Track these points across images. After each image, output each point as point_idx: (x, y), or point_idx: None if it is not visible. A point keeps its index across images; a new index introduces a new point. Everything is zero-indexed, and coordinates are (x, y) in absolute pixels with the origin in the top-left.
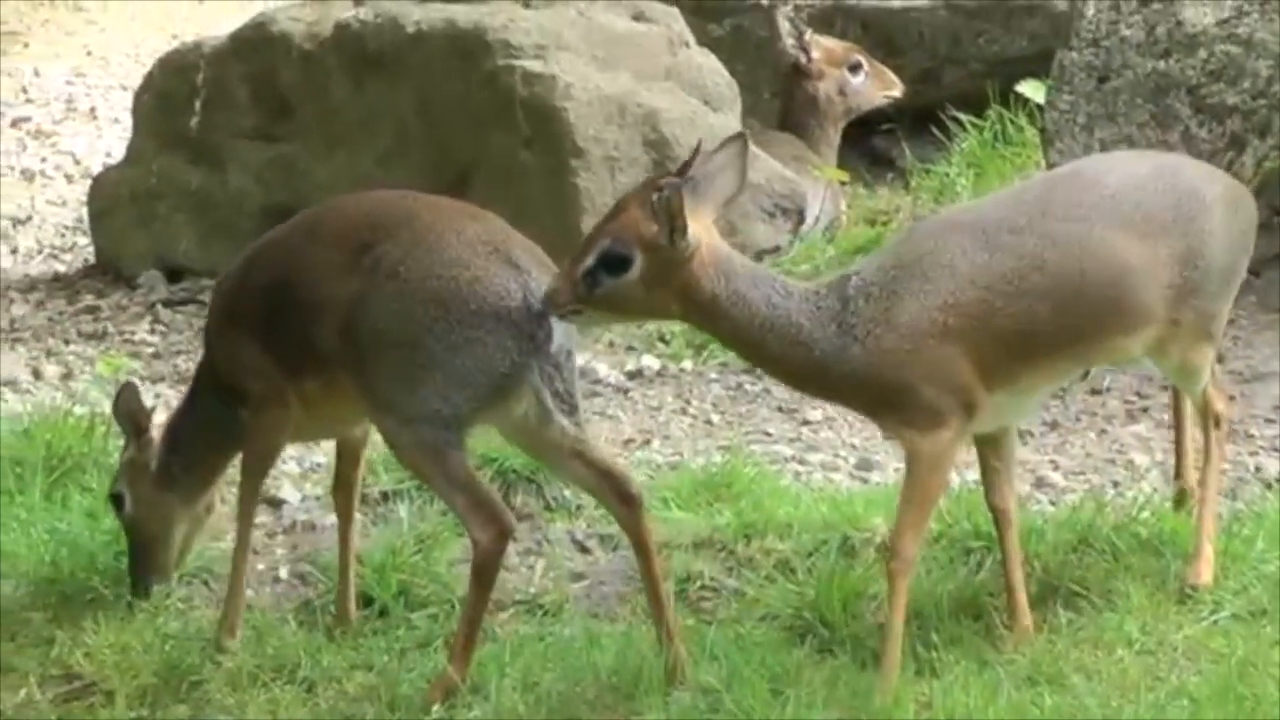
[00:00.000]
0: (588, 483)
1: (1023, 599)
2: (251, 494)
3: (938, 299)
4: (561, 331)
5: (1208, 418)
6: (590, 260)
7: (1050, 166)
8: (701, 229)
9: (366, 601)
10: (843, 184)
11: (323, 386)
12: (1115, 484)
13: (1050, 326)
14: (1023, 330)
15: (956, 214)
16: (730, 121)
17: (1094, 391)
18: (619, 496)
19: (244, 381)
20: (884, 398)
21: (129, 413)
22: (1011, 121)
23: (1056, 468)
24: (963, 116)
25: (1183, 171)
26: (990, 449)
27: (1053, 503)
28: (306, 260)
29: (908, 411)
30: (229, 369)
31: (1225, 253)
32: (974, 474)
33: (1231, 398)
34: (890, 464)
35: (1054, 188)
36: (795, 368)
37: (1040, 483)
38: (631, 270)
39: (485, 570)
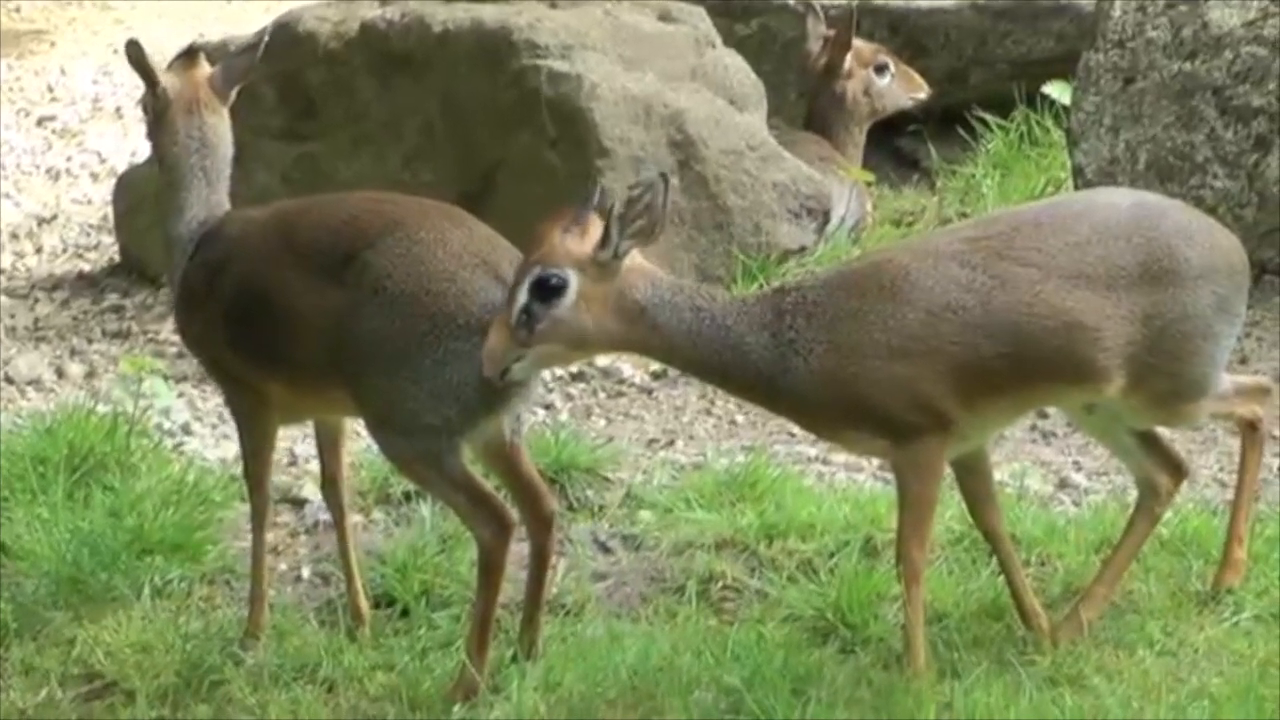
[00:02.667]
0: (513, 489)
1: (1032, 602)
2: (253, 490)
3: (880, 320)
4: None
5: (1239, 425)
6: (522, 298)
7: (1076, 169)
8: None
9: (388, 601)
10: (868, 185)
11: (290, 389)
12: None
13: (996, 365)
14: (969, 362)
15: (917, 240)
16: (755, 121)
17: None
18: (537, 515)
19: (213, 374)
20: (844, 416)
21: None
22: (1037, 123)
23: (1080, 469)
24: (989, 117)
25: (1163, 223)
26: (966, 474)
27: (1075, 504)
28: (285, 270)
29: (878, 427)
30: (199, 359)
31: (1194, 318)
32: (996, 475)
33: (1267, 390)
34: None
35: (1021, 228)
36: (734, 375)
37: (1063, 484)
38: (568, 293)
39: (492, 567)
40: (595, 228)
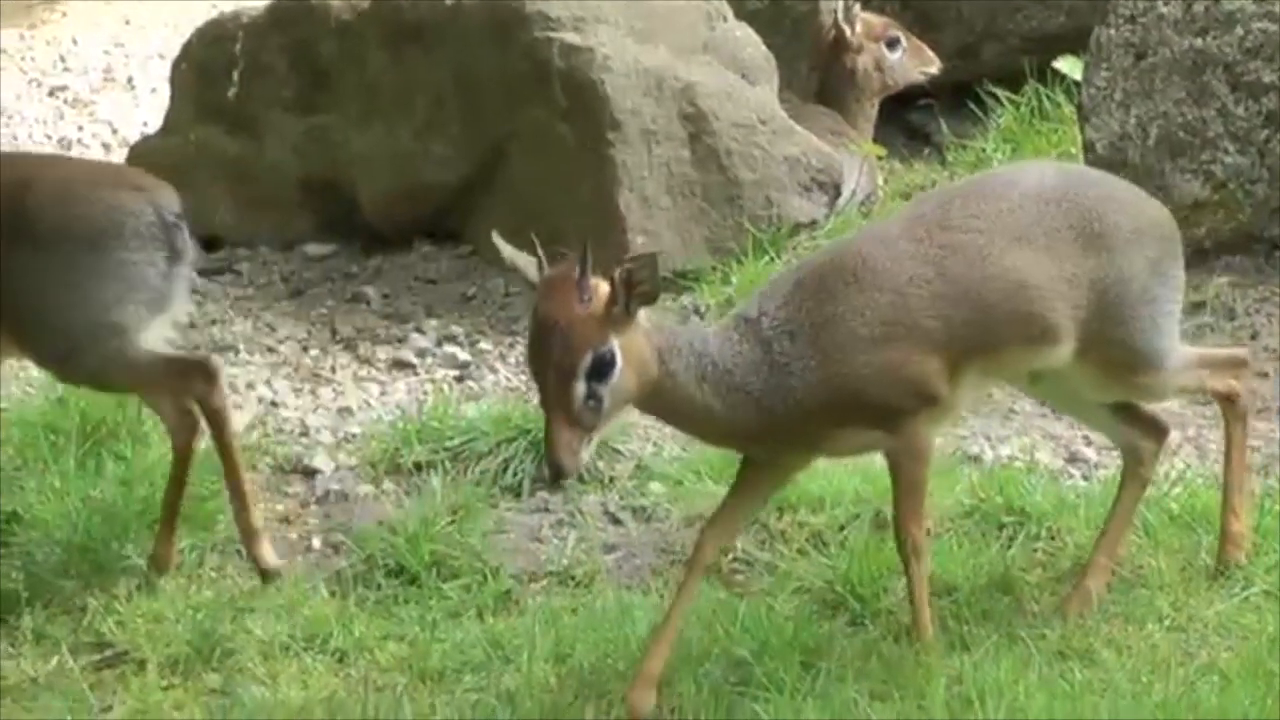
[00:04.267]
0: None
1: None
2: None
3: (855, 314)
4: (190, 244)
5: (1216, 399)
6: (582, 387)
7: (1087, 144)
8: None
9: (398, 571)
10: (879, 159)
11: None
12: None
13: (966, 332)
14: (945, 332)
15: (851, 237)
16: (767, 95)
17: None
18: (202, 374)
19: None
20: (841, 417)
21: None
22: (1048, 97)
23: (1090, 443)
24: (1000, 92)
25: (1090, 190)
26: (750, 485)
27: (1085, 478)
28: None
29: (874, 419)
30: None
31: (1134, 279)
32: (1006, 449)
33: (1265, 374)
34: None
35: (952, 201)
36: (739, 415)
37: (1073, 458)
38: (617, 360)
39: (183, 459)
40: (601, 288)
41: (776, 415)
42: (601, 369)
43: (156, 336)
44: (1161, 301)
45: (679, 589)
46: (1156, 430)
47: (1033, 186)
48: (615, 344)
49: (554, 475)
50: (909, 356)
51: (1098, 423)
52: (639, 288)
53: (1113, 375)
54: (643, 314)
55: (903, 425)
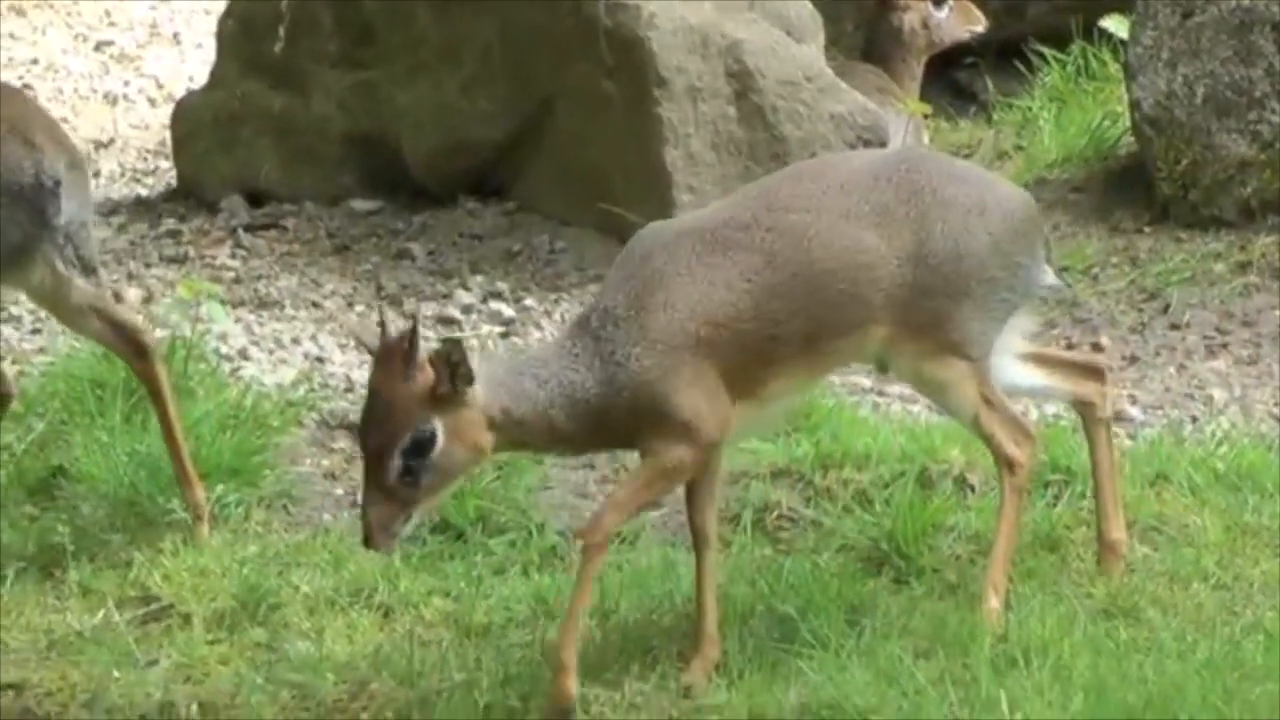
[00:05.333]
0: (105, 337)
1: (711, 625)
2: None
3: (684, 308)
4: (74, 206)
5: (998, 462)
6: (397, 462)
7: (1133, 102)
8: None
9: (444, 527)
10: (925, 117)
11: None
12: (1193, 419)
13: (790, 325)
14: (767, 333)
15: (682, 221)
16: (813, 52)
17: (1173, 327)
18: (132, 348)
19: None
20: (648, 418)
21: None
22: (1095, 56)
23: (1135, 402)
24: (1046, 51)
25: (925, 166)
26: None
27: (1131, 437)
28: None
29: (662, 426)
30: None
31: (965, 257)
32: (1051, 407)
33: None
34: None
35: (779, 183)
36: (589, 424)
37: (1118, 416)
38: (439, 438)
39: None
40: (426, 365)
41: (612, 415)
42: (420, 448)
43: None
44: (998, 286)
45: (701, 574)
46: (1097, 373)
47: (862, 164)
48: (437, 423)
49: (366, 546)
50: (714, 364)
51: (1034, 386)
52: (457, 369)
53: (928, 351)
54: (482, 376)
55: (679, 446)
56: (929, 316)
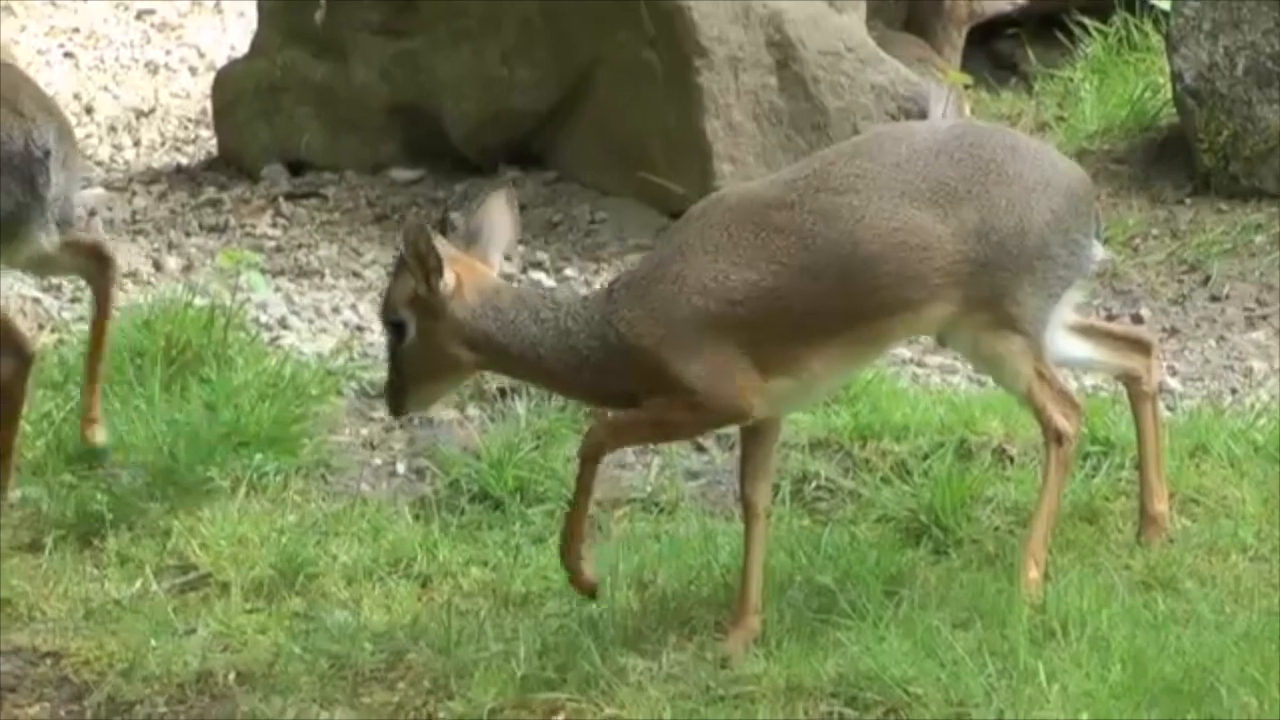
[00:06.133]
0: (76, 263)
1: (754, 597)
2: None
3: (695, 284)
4: (62, 179)
5: (1046, 434)
6: (389, 343)
7: (1174, 74)
8: (465, 270)
9: (483, 496)
10: (966, 88)
11: None
12: (1233, 391)
13: (828, 306)
14: (799, 311)
15: (742, 191)
16: (854, 22)
17: (1213, 299)
18: (97, 259)
19: None
20: (650, 383)
21: None
22: (1136, 27)
23: (1175, 374)
24: (1087, 21)
25: (988, 142)
26: (752, 437)
27: (1170, 409)
28: None
29: (667, 393)
30: None
31: (1029, 234)
32: (1091, 379)
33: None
34: None
35: (837, 160)
36: (572, 376)
37: (1158, 389)
38: (409, 331)
39: (10, 396)
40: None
41: (604, 375)
42: (396, 332)
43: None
44: (1058, 263)
45: (747, 546)
46: (1143, 347)
47: (923, 140)
48: (406, 316)
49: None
50: (733, 343)
51: (1081, 361)
52: (426, 261)
53: (989, 326)
54: (488, 285)
55: (687, 408)
56: (989, 292)
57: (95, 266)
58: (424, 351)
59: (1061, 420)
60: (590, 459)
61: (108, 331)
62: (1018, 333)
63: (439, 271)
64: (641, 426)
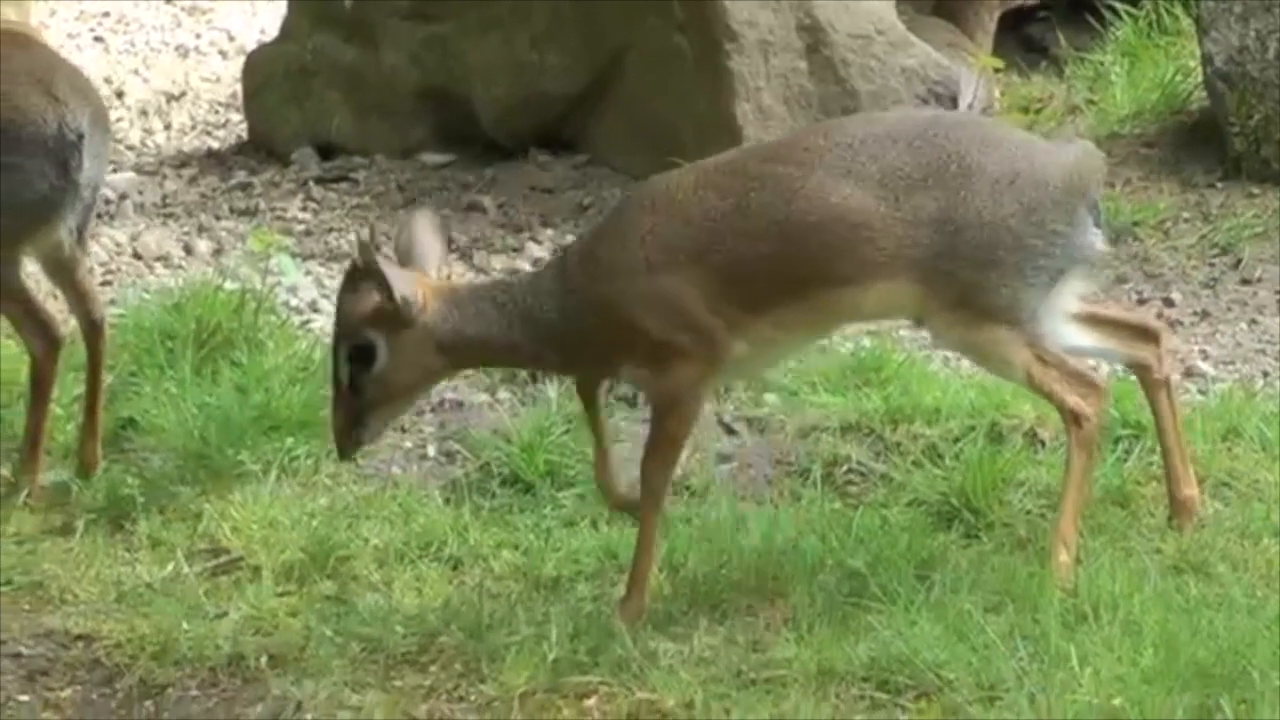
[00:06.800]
0: (68, 298)
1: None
2: None
3: (635, 236)
4: (92, 164)
5: (1063, 417)
6: (343, 371)
7: (1205, 57)
8: (417, 283)
9: (514, 480)
10: (996, 71)
11: None
12: (1265, 374)
13: (769, 271)
14: (737, 273)
15: (688, 165)
16: (884, 6)
17: (1245, 282)
18: (88, 320)
19: None
20: (612, 342)
21: None
22: (1167, 10)
23: (1206, 357)
24: (1118, 5)
25: (955, 134)
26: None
27: (1202, 392)
28: None
29: (637, 353)
30: None
31: (991, 226)
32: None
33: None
34: None
35: (795, 136)
36: (546, 349)
37: (1190, 372)
38: (379, 351)
39: (42, 379)
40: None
41: (568, 340)
42: (361, 360)
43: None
44: (1033, 253)
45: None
46: (1150, 334)
47: (888, 126)
48: (378, 338)
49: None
50: (680, 289)
51: (1088, 348)
52: (390, 269)
53: (964, 318)
54: (442, 287)
55: (669, 370)
56: (961, 286)
57: (85, 322)
58: (397, 368)
59: (1076, 401)
60: (655, 499)
61: (100, 385)
62: (1000, 324)
63: (387, 289)
64: (664, 430)
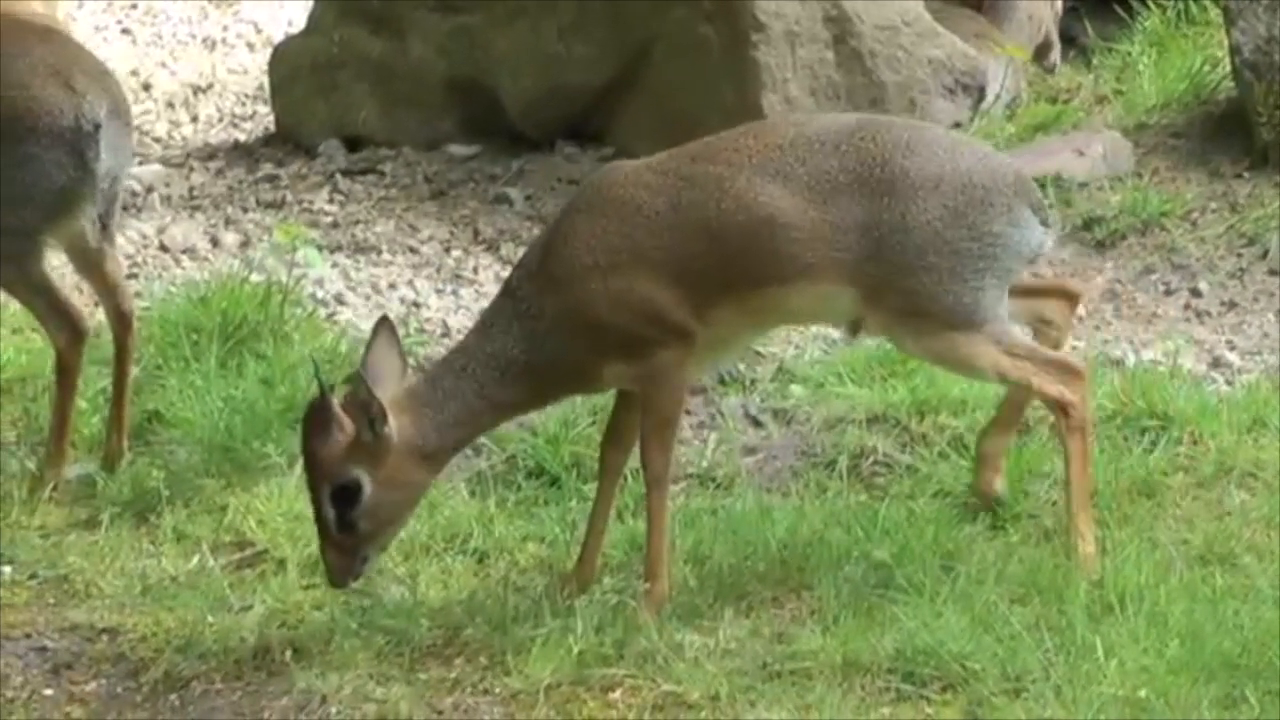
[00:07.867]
0: (96, 290)
1: (596, 551)
2: None
3: (580, 241)
4: (110, 155)
5: (1049, 407)
6: (330, 514)
7: (1233, 47)
8: (389, 407)
9: (539, 472)
10: (1024, 61)
11: None
12: None
13: (702, 268)
14: (676, 269)
15: (623, 163)
16: None
17: (1272, 272)
18: (117, 313)
19: None
20: (590, 351)
21: None
22: (1195, 1)
23: (1233, 348)
24: None
25: (880, 137)
26: (623, 402)
27: (1228, 383)
28: None
29: (612, 353)
30: None
31: (915, 230)
32: (1149, 353)
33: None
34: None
35: (728, 136)
36: (537, 381)
37: (1216, 363)
38: (365, 485)
39: (67, 370)
40: (346, 417)
41: (544, 366)
42: (346, 498)
43: (72, 236)
44: (969, 256)
45: (596, 497)
46: (1064, 294)
47: (817, 129)
48: (360, 474)
49: (330, 585)
50: (635, 285)
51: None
52: (369, 409)
53: (913, 326)
54: (405, 405)
55: (649, 356)
56: (902, 293)
57: (113, 315)
58: (386, 496)
59: (1059, 390)
60: (659, 483)
61: (128, 378)
62: (956, 329)
63: (383, 416)
64: (656, 411)
